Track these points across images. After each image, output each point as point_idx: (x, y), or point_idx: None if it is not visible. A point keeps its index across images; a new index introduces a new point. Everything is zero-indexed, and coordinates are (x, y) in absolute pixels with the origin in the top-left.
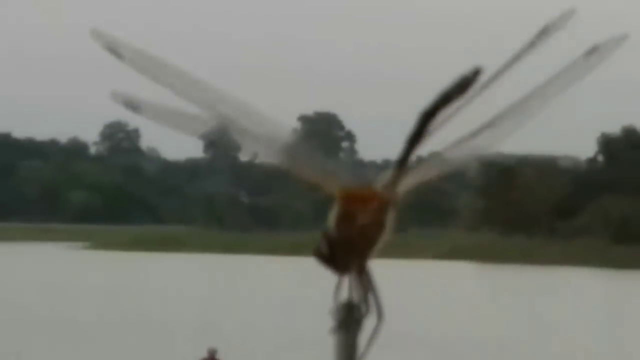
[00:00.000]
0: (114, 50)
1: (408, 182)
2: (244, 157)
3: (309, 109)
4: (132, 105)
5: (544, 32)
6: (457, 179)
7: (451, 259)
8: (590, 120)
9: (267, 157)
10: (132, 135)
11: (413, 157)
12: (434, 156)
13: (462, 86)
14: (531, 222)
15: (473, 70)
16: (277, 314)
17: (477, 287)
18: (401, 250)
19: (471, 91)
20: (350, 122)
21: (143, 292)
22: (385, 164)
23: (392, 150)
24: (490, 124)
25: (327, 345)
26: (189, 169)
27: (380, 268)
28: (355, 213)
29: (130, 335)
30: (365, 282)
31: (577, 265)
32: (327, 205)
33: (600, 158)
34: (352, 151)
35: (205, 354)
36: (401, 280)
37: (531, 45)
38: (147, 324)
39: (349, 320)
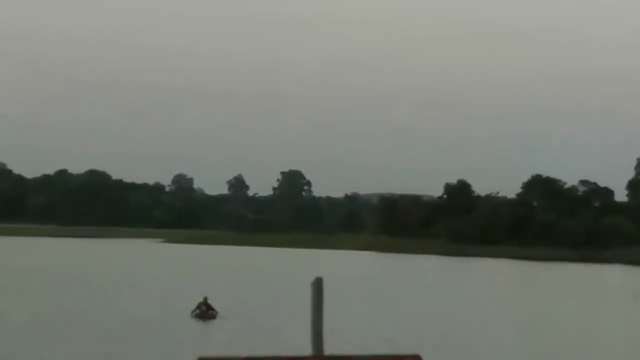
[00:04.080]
0: None
1: None
2: None
3: None
4: None
5: None
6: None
7: (361, 249)
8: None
9: None
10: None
11: None
12: None
13: None
14: (404, 231)
15: None
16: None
17: (373, 262)
18: (335, 245)
19: None
20: None
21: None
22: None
23: None
24: None
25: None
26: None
27: (321, 255)
28: None
29: None
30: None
31: (431, 254)
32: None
33: (445, 197)
34: None
35: (202, 299)
36: (334, 259)
37: None
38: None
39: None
